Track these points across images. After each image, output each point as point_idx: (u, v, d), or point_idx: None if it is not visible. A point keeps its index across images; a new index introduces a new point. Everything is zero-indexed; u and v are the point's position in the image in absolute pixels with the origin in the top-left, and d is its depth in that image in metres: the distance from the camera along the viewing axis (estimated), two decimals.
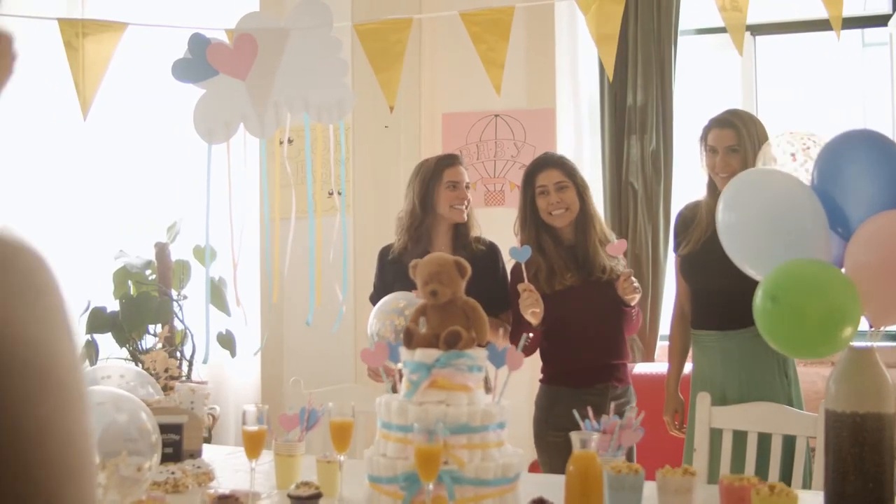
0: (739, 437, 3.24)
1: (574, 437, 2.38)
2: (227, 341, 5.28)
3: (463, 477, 2.36)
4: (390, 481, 2.43)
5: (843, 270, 2.45)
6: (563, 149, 5.02)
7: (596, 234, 3.65)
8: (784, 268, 2.32)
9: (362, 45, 3.85)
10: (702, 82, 5.48)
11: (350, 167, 5.26)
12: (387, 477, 2.44)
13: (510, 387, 3.88)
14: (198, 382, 5.18)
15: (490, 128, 5.16)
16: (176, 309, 5.22)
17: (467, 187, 3.81)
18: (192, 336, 5.30)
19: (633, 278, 3.49)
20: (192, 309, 5.32)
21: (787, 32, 5.50)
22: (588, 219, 3.67)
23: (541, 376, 3.72)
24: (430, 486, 2.27)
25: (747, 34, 5.27)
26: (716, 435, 3.28)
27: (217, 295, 5.24)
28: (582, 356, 3.59)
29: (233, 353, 5.29)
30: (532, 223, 3.69)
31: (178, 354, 5.24)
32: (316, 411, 2.81)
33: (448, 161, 3.83)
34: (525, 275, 3.45)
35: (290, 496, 2.48)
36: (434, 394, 2.44)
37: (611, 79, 3.91)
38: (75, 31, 3.78)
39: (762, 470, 3.18)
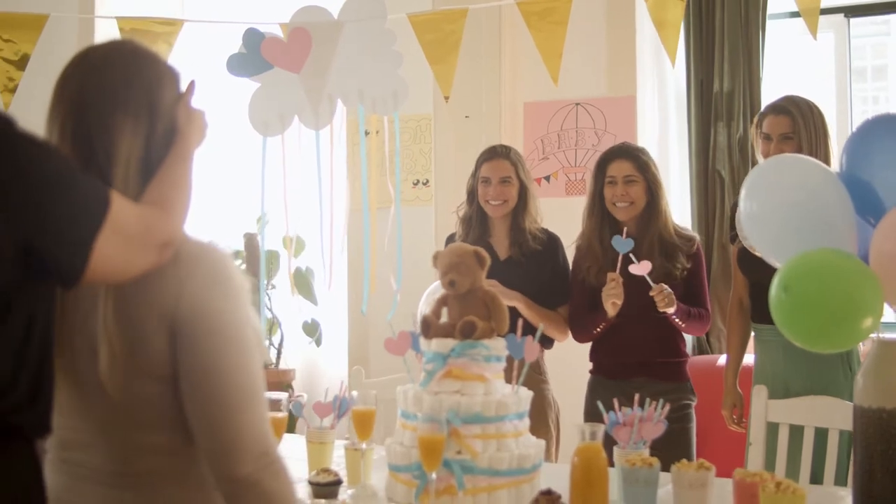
0: (797, 432, 3.15)
1: (580, 428, 2.35)
2: (312, 330, 5.37)
3: (475, 467, 2.36)
4: (406, 469, 2.45)
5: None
6: (644, 136, 4.94)
7: (659, 232, 3.57)
8: (798, 257, 2.23)
9: (416, 36, 3.82)
10: (795, 67, 5.29)
11: (432, 157, 5.28)
12: (403, 465, 2.46)
13: (570, 379, 3.88)
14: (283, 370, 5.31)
15: (571, 116, 5.11)
16: (265, 299, 5.33)
17: (506, 182, 3.67)
18: (280, 325, 5.42)
19: (664, 292, 3.38)
20: (280, 299, 5.43)
21: (885, 13, 5.28)
22: (653, 216, 3.56)
23: (590, 366, 3.70)
24: (433, 476, 2.28)
25: (840, 16, 5.14)
26: (774, 429, 3.19)
27: (304, 284, 5.34)
28: (627, 352, 3.55)
29: (318, 342, 5.38)
30: (598, 212, 3.62)
31: (267, 343, 5.37)
32: (347, 400, 2.84)
33: (486, 155, 3.75)
34: (619, 266, 3.40)
35: (310, 482, 2.52)
36: (449, 383, 2.45)
37: (673, 65, 3.82)
38: (133, 30, 3.88)
39: (818, 465, 3.09)
